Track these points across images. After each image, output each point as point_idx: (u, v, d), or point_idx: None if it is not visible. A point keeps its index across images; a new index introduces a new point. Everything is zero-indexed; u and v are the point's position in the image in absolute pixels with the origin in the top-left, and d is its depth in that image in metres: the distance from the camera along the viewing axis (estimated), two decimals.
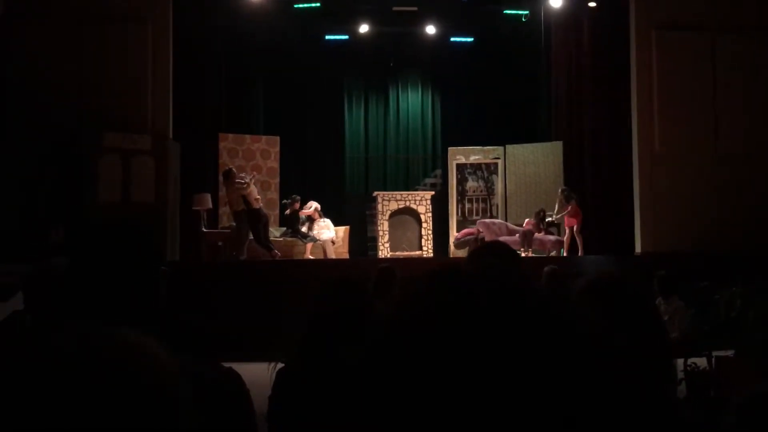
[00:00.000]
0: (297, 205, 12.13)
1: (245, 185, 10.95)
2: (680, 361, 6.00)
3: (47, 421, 0.60)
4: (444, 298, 0.58)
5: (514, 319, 0.56)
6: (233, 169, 11.50)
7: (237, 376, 1.56)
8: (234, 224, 11.31)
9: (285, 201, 12.44)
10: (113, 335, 0.67)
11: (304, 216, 12.20)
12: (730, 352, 6.41)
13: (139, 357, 0.65)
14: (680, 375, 5.56)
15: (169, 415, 0.64)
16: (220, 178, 11.93)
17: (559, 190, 12.20)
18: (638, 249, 11.50)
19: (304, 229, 12.17)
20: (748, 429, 1.16)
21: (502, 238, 10.88)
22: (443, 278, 0.61)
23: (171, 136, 11.11)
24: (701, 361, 6.27)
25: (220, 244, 11.52)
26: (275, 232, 12.27)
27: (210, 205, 11.55)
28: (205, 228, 11.47)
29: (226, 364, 1.58)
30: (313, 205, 12.35)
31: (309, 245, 11.98)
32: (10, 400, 0.61)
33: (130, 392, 0.62)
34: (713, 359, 6.50)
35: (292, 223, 12.15)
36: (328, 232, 12.36)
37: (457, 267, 0.63)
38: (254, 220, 10.92)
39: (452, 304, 0.57)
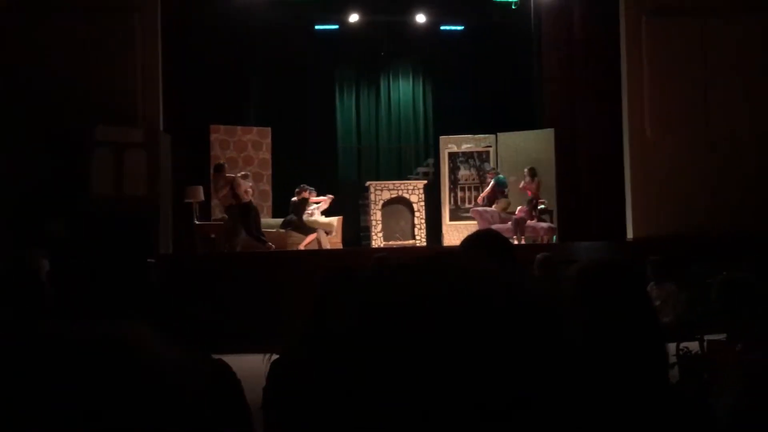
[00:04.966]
0: (306, 194, 12.04)
1: (234, 178, 11.02)
2: (672, 346, 6.04)
3: (48, 419, 0.57)
4: (429, 288, 0.58)
5: (501, 311, 0.56)
6: (225, 164, 11.49)
7: (227, 368, 1.57)
8: (226, 217, 11.30)
9: (297, 189, 12.25)
10: (107, 326, 0.65)
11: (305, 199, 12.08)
12: (722, 336, 6.45)
13: (137, 349, 0.63)
14: (673, 359, 5.60)
15: (174, 409, 0.62)
16: (212, 170, 11.88)
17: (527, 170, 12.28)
18: (630, 235, 11.54)
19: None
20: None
21: (494, 226, 10.87)
22: (428, 267, 0.60)
23: (162, 128, 11.06)
24: (693, 346, 6.31)
25: (212, 236, 11.50)
26: (272, 223, 12.23)
27: (202, 198, 11.52)
28: (198, 220, 11.45)
29: (223, 356, 1.59)
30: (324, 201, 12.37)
31: (310, 237, 11.89)
32: (10, 397, 0.58)
33: (131, 385, 0.60)
34: (705, 343, 6.54)
35: (296, 211, 12.01)
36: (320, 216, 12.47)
37: (446, 256, 0.63)
38: (245, 213, 10.94)
39: (438, 295, 0.57)
